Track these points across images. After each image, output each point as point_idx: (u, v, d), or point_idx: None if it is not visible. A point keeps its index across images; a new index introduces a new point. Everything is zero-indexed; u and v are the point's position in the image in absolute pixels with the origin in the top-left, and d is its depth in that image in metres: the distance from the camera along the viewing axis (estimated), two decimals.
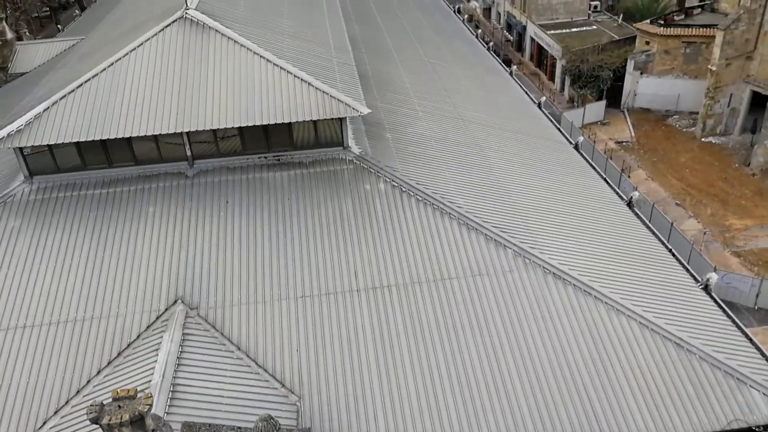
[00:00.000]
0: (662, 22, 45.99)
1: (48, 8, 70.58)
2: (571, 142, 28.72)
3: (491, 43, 42.39)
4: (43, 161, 19.23)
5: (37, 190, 18.91)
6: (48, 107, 18.74)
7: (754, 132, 42.23)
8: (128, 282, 16.72)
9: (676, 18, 46.66)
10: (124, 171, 19.53)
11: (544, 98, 33.23)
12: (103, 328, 15.81)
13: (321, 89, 19.73)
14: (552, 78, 53.31)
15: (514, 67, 38.47)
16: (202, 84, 19.59)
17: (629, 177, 39.09)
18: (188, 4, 22.08)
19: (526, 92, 34.78)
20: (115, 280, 16.72)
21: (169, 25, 21.27)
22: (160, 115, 18.73)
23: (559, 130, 30.33)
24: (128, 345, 15.50)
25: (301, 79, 19.93)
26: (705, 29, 44.06)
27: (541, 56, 56.05)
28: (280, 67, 20.21)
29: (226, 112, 18.91)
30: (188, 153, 19.80)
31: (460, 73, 34.23)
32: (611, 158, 41.10)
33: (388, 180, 19.88)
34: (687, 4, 52.66)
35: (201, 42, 20.85)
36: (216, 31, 21.17)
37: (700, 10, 48.28)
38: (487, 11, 69.39)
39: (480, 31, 46.20)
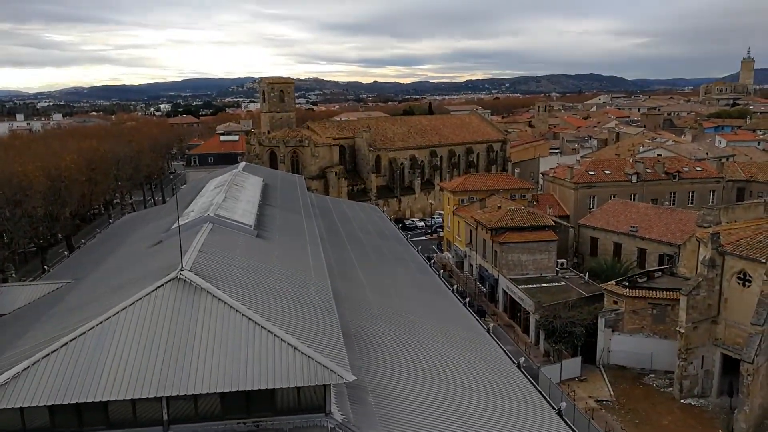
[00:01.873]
0: (627, 283, 48.77)
1: (34, 245, 72.44)
2: (554, 408, 28.26)
3: (467, 299, 43.99)
4: (9, 422, 18.10)
5: None
6: (27, 367, 18.26)
7: (731, 394, 42.23)
8: None
9: (639, 280, 49.62)
10: None
11: (522, 358, 33.54)
12: None
13: (307, 354, 19.77)
14: (527, 331, 54.45)
15: (492, 324, 39.44)
16: (188, 346, 19.54)
17: None
18: (183, 265, 23.08)
19: (504, 351, 35.14)
20: None
21: (162, 285, 21.93)
22: (141, 379, 18.30)
23: (540, 392, 30.08)
24: None
25: (288, 343, 20.07)
26: (668, 292, 46.67)
27: (514, 308, 57.96)
28: (268, 330, 20.47)
29: (210, 377, 18.59)
30: (165, 417, 18.90)
31: (437, 329, 34.80)
32: (593, 419, 40.28)
33: None
34: (647, 267, 56.57)
35: (192, 303, 21.32)
36: (208, 292, 21.82)
37: (660, 273, 51.70)
38: (459, 263, 73.36)
39: (456, 286, 48.22)
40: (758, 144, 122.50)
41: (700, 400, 43.27)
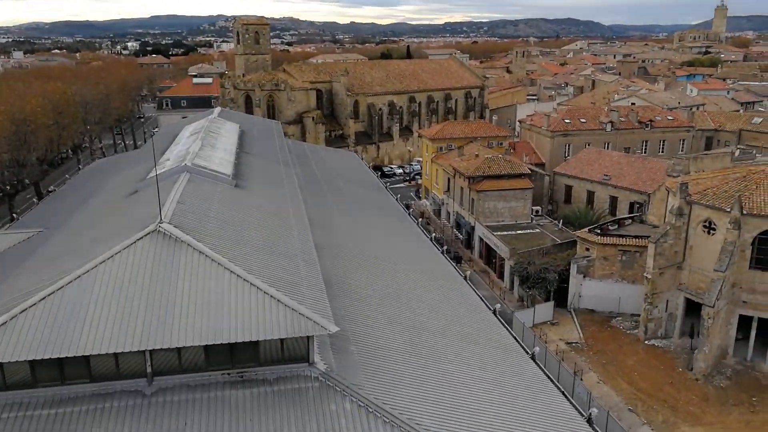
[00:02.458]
0: (599, 231, 49.93)
1: (0, 191, 70.73)
2: (527, 352, 29.34)
3: (444, 246, 44.63)
4: None
5: None
6: (5, 322, 18.20)
7: (692, 336, 44.25)
8: None
9: (610, 228, 50.82)
10: (78, 389, 18.58)
11: (498, 305, 34.44)
12: None
13: (290, 306, 20.03)
14: (501, 276, 55.69)
15: (468, 271, 40.17)
16: (170, 300, 19.61)
17: (582, 380, 39.59)
18: (162, 217, 22.89)
19: (481, 297, 36.01)
20: None
21: (141, 238, 21.78)
22: (123, 333, 18.40)
23: (514, 337, 31.12)
24: None
25: (271, 296, 20.28)
26: (637, 240, 47.99)
27: (489, 255, 59.05)
28: (250, 283, 20.61)
29: (193, 330, 18.77)
30: (148, 369, 19.17)
31: (416, 276, 35.46)
32: (563, 360, 41.92)
33: (354, 399, 19.53)
34: (618, 214, 57.80)
35: (172, 256, 21.26)
36: (188, 245, 21.75)
37: (631, 221, 52.95)
38: (437, 210, 73.96)
39: (433, 233, 48.74)
40: (728, 93, 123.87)
41: (663, 341, 45.27)
